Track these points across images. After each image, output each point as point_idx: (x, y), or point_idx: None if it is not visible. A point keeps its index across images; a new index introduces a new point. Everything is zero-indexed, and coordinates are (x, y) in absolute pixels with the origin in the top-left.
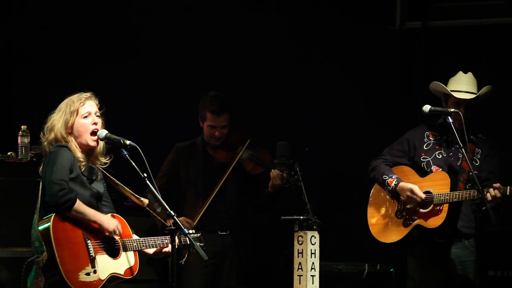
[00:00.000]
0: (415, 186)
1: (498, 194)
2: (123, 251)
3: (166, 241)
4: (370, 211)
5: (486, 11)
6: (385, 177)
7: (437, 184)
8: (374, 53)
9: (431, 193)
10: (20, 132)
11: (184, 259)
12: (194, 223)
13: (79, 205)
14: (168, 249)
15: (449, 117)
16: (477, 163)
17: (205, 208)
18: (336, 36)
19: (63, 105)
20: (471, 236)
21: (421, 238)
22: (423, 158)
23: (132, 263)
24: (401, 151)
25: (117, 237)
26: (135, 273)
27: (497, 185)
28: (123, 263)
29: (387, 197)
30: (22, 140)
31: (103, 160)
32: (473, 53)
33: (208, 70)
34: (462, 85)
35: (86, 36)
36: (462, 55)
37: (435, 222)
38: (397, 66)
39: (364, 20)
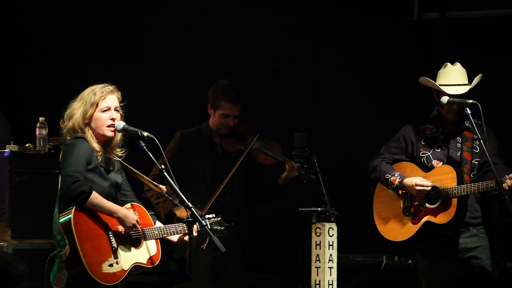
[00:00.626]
0: (420, 178)
1: None
2: (146, 239)
3: (185, 227)
4: (377, 210)
5: (504, 2)
6: (387, 175)
7: (443, 178)
8: (392, 44)
9: (437, 188)
10: (38, 124)
11: (205, 244)
12: (203, 213)
13: (95, 197)
14: (188, 237)
15: (467, 108)
16: (477, 150)
17: (212, 200)
18: (353, 28)
19: (84, 94)
20: (479, 225)
21: (428, 234)
22: (422, 153)
23: (154, 251)
24: (398, 148)
25: (138, 226)
26: (157, 262)
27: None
28: (145, 252)
29: (392, 195)
30: (40, 132)
31: (119, 153)
32: (491, 44)
33: (221, 63)
34: (453, 78)
35: (102, 30)
36: (480, 46)
37: (445, 217)
38: (415, 57)
39: (382, 11)
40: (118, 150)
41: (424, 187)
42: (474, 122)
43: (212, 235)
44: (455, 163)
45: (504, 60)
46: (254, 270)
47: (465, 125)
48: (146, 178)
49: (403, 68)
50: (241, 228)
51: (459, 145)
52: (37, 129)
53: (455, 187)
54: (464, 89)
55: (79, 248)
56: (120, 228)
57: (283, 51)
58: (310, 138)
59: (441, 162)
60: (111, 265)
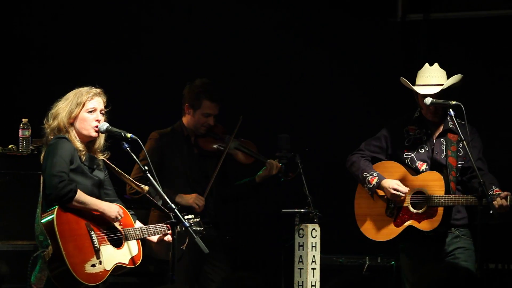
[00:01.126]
0: (397, 182)
1: (506, 203)
2: (127, 240)
3: (166, 228)
4: (358, 206)
5: (488, 3)
6: (365, 174)
7: (431, 184)
8: (376, 46)
9: (423, 193)
10: (21, 125)
11: (185, 244)
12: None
13: (80, 195)
14: (168, 238)
15: (450, 110)
16: (461, 153)
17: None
18: (337, 29)
19: (71, 94)
20: (462, 226)
21: (409, 237)
22: (406, 155)
23: (136, 252)
24: (378, 147)
25: (119, 227)
26: (139, 262)
27: (505, 194)
28: (126, 253)
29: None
30: (23, 133)
31: (101, 157)
32: (474, 46)
33: (205, 64)
34: (428, 78)
35: (89, 32)
36: (464, 47)
37: (429, 225)
38: (399, 58)
39: (366, 12)
40: (100, 154)
41: (399, 193)
42: (458, 122)
43: (195, 236)
44: (439, 165)
45: (487, 61)
46: (233, 270)
47: (449, 126)
48: (128, 177)
49: (387, 69)
50: (221, 229)
51: (443, 147)
52: (20, 130)
53: (442, 196)
54: (436, 89)
55: (62, 248)
56: (102, 229)
57: (267, 51)
58: (293, 139)
59: (425, 164)
60: (93, 265)
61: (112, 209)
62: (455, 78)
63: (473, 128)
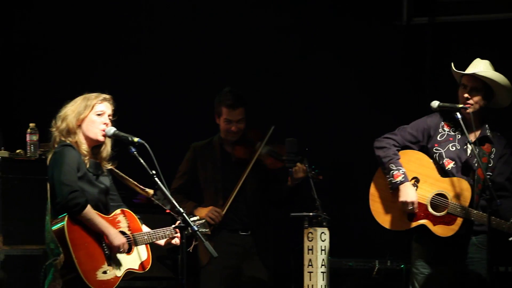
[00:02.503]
0: (415, 196)
1: None
2: (136, 245)
3: (173, 231)
4: (374, 187)
5: (493, 6)
6: (392, 165)
7: (456, 192)
8: (382, 49)
9: (445, 197)
10: (29, 129)
11: (191, 247)
12: (223, 212)
13: (89, 211)
14: (176, 241)
15: (457, 113)
16: (490, 163)
17: (227, 207)
18: (343, 33)
19: (79, 98)
20: (480, 233)
21: (420, 234)
22: (436, 149)
23: (145, 257)
24: (414, 136)
25: (128, 232)
26: (149, 267)
27: None
28: (136, 258)
29: None
30: (31, 137)
31: (108, 165)
32: (480, 48)
33: (214, 67)
34: (473, 68)
35: (97, 35)
36: (470, 50)
37: (444, 231)
38: (405, 62)
39: (371, 16)
40: (106, 163)
41: (410, 208)
42: (495, 134)
43: (204, 241)
44: (468, 169)
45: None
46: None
47: (486, 133)
48: (132, 181)
49: (393, 73)
50: (257, 237)
51: (476, 153)
52: (27, 135)
53: (465, 208)
54: (468, 72)
55: (73, 256)
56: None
57: (273, 55)
58: (301, 142)
59: (453, 162)
60: (105, 272)
61: (118, 238)
62: (496, 75)
63: (508, 143)
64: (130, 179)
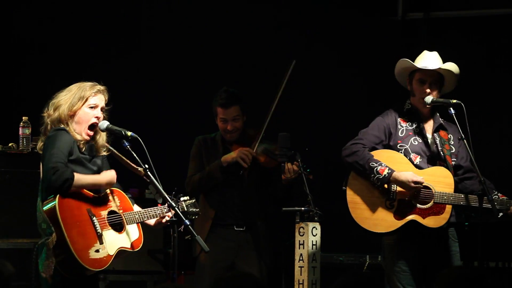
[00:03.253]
0: (413, 173)
1: None
2: (128, 224)
3: (165, 210)
4: (351, 195)
5: (488, 2)
6: (372, 164)
7: (438, 181)
8: (376, 44)
9: (429, 188)
10: (21, 123)
11: (181, 227)
12: (254, 150)
13: (78, 179)
14: (166, 219)
15: (451, 108)
16: (452, 150)
17: (256, 146)
18: (338, 27)
19: (74, 87)
20: (453, 225)
21: (409, 231)
22: (400, 146)
23: (137, 236)
24: (377, 137)
25: (119, 211)
26: (140, 246)
27: None
28: (128, 237)
29: (368, 184)
30: (23, 131)
31: (104, 153)
32: (474, 44)
33: (210, 64)
34: (427, 61)
35: (90, 29)
36: (464, 46)
37: (436, 222)
38: (399, 57)
39: (366, 11)
40: (102, 150)
41: (419, 185)
42: (445, 121)
43: (196, 235)
44: (437, 159)
45: (488, 60)
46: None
47: (440, 121)
48: (127, 161)
49: (387, 68)
50: (252, 233)
51: (438, 142)
52: (20, 129)
53: (452, 194)
54: (435, 65)
55: (66, 235)
56: (103, 214)
57: (267, 51)
58: (293, 137)
59: (419, 156)
60: (97, 251)
61: (106, 177)
62: (453, 66)
63: (457, 127)
64: (124, 157)
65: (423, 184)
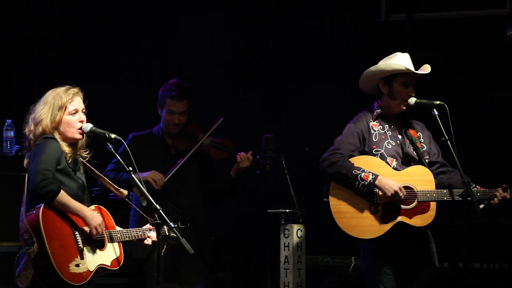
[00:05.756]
0: (398, 185)
1: (509, 196)
2: (110, 242)
3: (146, 233)
4: (335, 205)
5: (472, 3)
6: (355, 172)
7: (418, 179)
8: (360, 45)
9: (411, 188)
10: (5, 125)
11: (163, 250)
12: (166, 179)
13: (63, 196)
14: (148, 242)
15: (434, 110)
16: (424, 148)
17: (168, 177)
18: (321, 29)
19: (49, 97)
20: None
21: (397, 234)
22: (375, 151)
23: (118, 254)
24: (353, 144)
25: (101, 229)
26: (121, 264)
27: (504, 187)
28: (109, 255)
29: (351, 192)
30: (7, 133)
31: (84, 153)
32: (457, 46)
33: (190, 62)
34: (410, 64)
35: (74, 31)
36: (447, 47)
37: (422, 221)
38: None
39: (350, 12)
40: (82, 151)
41: (401, 193)
42: (412, 120)
43: (181, 238)
44: (411, 160)
45: (471, 62)
46: (219, 271)
47: (408, 121)
48: (108, 181)
49: None
50: (198, 229)
51: (409, 142)
52: (4, 131)
53: (434, 191)
54: (426, 72)
55: (47, 246)
56: (86, 229)
57: (251, 51)
58: (278, 139)
59: (395, 159)
60: (77, 265)
61: (94, 219)
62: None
63: (423, 124)
64: (106, 178)
65: (405, 185)
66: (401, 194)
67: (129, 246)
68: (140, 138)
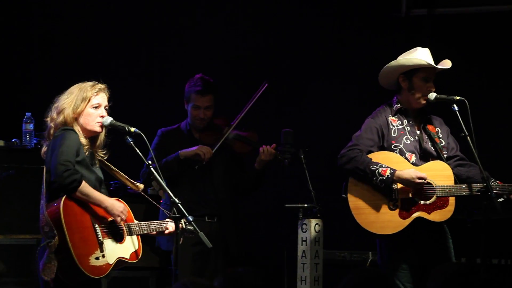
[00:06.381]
0: (415, 170)
1: None
2: (129, 235)
3: (164, 225)
4: (353, 201)
5: None
6: (373, 167)
7: (437, 175)
8: (380, 41)
9: (430, 184)
10: (25, 118)
11: (180, 241)
12: (213, 151)
13: (85, 186)
14: (168, 231)
15: (454, 105)
16: (442, 143)
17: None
18: (341, 24)
19: (75, 89)
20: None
21: (417, 229)
22: (394, 146)
23: (136, 247)
24: (372, 140)
25: (124, 216)
26: (139, 257)
27: None
28: (128, 247)
29: (370, 188)
30: (27, 126)
31: (101, 153)
32: (478, 41)
33: (209, 61)
34: (430, 59)
35: (93, 26)
36: (468, 42)
37: (441, 216)
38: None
39: (370, 8)
40: (100, 151)
41: (423, 180)
42: (433, 117)
43: (199, 231)
44: (429, 155)
45: (492, 57)
46: (239, 265)
47: (426, 116)
48: (124, 175)
49: None
50: (224, 223)
51: (427, 137)
52: (23, 124)
53: (454, 186)
54: (448, 66)
55: (68, 239)
56: (105, 222)
57: (272, 48)
58: (297, 134)
59: (413, 155)
60: (97, 258)
61: (115, 207)
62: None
63: (441, 119)
64: (121, 173)
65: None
66: (424, 177)
67: (157, 238)
68: (169, 133)
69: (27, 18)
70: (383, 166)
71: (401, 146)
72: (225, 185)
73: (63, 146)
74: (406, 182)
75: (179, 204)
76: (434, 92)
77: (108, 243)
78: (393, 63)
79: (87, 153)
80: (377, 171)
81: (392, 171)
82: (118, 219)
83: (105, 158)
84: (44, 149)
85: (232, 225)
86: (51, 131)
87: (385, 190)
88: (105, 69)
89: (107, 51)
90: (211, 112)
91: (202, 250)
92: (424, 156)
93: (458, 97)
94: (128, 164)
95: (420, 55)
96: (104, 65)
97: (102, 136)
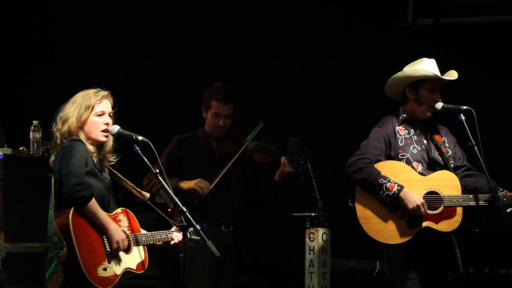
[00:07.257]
0: (418, 197)
1: None
2: (136, 245)
3: (170, 235)
4: (361, 210)
5: (498, 8)
6: (381, 180)
7: (444, 185)
8: (385, 50)
9: (437, 194)
10: (32, 127)
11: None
12: (211, 186)
13: (93, 204)
14: (174, 242)
15: (461, 115)
16: (449, 152)
17: (214, 184)
18: (348, 34)
19: (78, 97)
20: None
21: (424, 239)
22: (401, 156)
23: (143, 257)
24: (380, 149)
25: (127, 232)
26: (145, 267)
27: None
28: (134, 258)
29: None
30: (34, 135)
31: (111, 158)
32: (484, 50)
33: (214, 66)
34: (437, 70)
35: (99, 33)
36: (473, 52)
37: (448, 226)
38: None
39: (376, 17)
40: (109, 155)
41: (422, 210)
42: (440, 127)
43: (207, 240)
44: (437, 165)
45: (498, 66)
46: (247, 274)
47: (434, 125)
48: (130, 184)
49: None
50: (240, 233)
51: (434, 147)
52: (31, 132)
53: (461, 196)
54: (455, 77)
55: (77, 250)
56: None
57: (278, 55)
58: (304, 143)
59: (420, 164)
60: (105, 269)
61: (118, 234)
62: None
63: (447, 129)
64: (128, 181)
65: (431, 190)
66: (422, 210)
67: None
68: (185, 141)
69: (35, 25)
70: (391, 181)
71: (408, 155)
72: (242, 195)
73: (74, 157)
74: (407, 203)
75: (186, 213)
76: (441, 102)
77: (116, 254)
78: (400, 74)
79: (96, 160)
80: (384, 185)
81: (399, 188)
82: (114, 246)
83: (115, 162)
84: (52, 158)
85: (247, 235)
86: (58, 141)
87: (391, 205)
88: (114, 75)
89: (116, 56)
90: (230, 121)
91: (217, 259)
92: (432, 166)
93: (465, 107)
94: (136, 172)
95: (427, 66)
96: (113, 70)
97: (110, 142)
